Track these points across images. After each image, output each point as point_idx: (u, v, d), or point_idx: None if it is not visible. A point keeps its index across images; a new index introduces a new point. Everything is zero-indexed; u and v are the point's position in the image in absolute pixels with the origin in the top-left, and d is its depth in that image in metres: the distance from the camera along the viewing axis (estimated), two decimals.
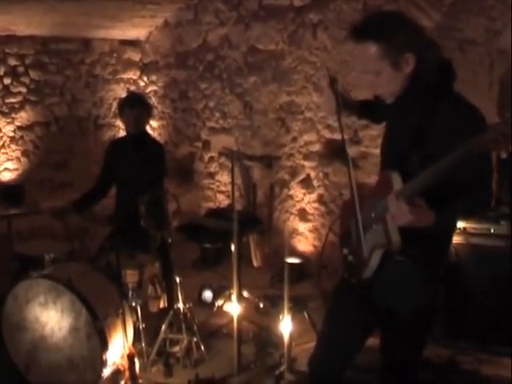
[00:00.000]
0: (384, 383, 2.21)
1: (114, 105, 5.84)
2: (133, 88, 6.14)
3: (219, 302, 4.09)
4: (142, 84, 6.18)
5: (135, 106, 3.87)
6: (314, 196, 4.90)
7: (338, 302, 2.27)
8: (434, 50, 1.95)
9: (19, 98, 5.40)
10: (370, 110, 2.37)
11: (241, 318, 3.43)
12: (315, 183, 4.88)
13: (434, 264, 2.04)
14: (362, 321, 2.17)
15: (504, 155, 1.64)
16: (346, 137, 2.10)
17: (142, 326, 3.28)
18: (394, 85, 1.96)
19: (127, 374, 3.06)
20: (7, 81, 5.30)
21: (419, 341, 2.14)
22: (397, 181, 1.90)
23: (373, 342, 2.24)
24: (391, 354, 2.17)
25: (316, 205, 4.89)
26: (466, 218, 3.15)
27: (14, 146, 5.40)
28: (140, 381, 3.12)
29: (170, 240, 3.41)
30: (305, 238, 4.99)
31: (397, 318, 2.06)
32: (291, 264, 4.58)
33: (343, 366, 2.27)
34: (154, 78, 6.06)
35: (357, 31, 1.93)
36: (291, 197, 5.07)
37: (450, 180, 1.76)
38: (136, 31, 5.87)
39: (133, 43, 6.10)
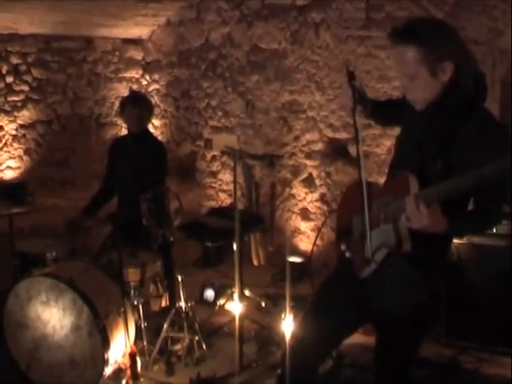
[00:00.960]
0: (378, 383, 2.20)
1: (116, 103, 5.83)
2: (135, 87, 6.13)
3: (221, 301, 4.09)
4: (144, 83, 6.17)
5: (137, 105, 3.87)
6: (316, 195, 4.90)
7: (325, 296, 2.22)
8: (472, 62, 1.93)
9: (21, 97, 5.41)
10: (382, 110, 2.33)
11: (242, 317, 3.44)
12: (317, 182, 4.87)
13: (432, 264, 2.03)
14: (348, 317, 2.15)
15: None
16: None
17: (143, 324, 3.27)
18: (427, 91, 1.92)
19: (129, 372, 3.08)
20: (9, 79, 5.31)
21: (415, 340, 2.12)
22: (414, 184, 1.88)
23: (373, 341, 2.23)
24: (386, 353, 2.15)
25: (318, 204, 4.89)
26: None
27: (16, 145, 5.41)
28: (141, 379, 3.13)
29: (171, 238, 3.40)
30: (307, 237, 4.98)
31: (393, 318, 2.04)
32: (293, 263, 4.60)
33: (317, 360, 2.24)
34: (156, 76, 6.06)
35: (399, 33, 1.91)
36: (293, 196, 5.06)
37: (469, 192, 1.75)
38: (138, 30, 5.87)
39: (135, 42, 6.09)
